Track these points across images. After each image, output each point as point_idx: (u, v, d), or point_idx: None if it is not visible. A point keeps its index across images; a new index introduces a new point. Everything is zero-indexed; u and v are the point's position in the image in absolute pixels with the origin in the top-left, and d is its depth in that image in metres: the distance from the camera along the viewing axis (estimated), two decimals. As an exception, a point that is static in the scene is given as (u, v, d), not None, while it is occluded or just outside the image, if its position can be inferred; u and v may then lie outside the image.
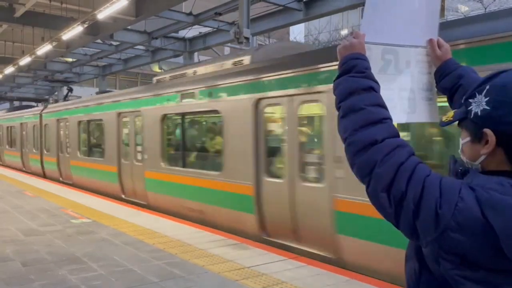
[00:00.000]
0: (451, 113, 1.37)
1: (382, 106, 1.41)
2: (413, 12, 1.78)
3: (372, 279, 4.86)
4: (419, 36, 1.80)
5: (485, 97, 1.24)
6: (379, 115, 1.37)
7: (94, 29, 14.00)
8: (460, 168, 1.35)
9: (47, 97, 28.94)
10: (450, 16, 23.34)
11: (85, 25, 11.70)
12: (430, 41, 1.80)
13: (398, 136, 1.34)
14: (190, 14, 14.20)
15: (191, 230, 7.32)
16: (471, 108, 1.28)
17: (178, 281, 4.88)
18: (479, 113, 1.25)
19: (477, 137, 1.26)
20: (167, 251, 6.05)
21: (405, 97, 1.75)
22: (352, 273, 5.05)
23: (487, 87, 1.26)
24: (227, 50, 29.75)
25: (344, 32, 32.94)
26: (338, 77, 1.50)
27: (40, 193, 12.02)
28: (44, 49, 14.55)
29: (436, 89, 1.83)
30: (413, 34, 1.78)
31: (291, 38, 33.46)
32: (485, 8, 21.41)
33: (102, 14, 10.58)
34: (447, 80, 1.74)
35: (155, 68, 30.21)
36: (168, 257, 5.75)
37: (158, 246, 6.30)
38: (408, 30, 1.77)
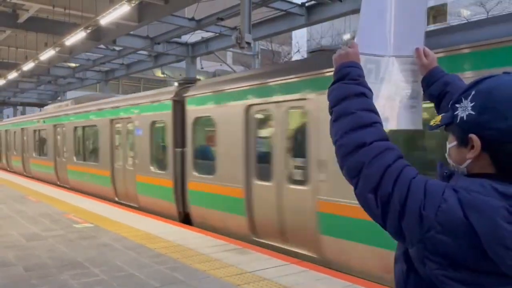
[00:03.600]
0: (438, 117, 1.39)
1: (373, 111, 1.44)
2: (399, 23, 1.83)
3: (374, 284, 4.84)
4: (405, 46, 1.85)
5: (471, 102, 1.25)
6: (369, 119, 1.40)
7: (97, 35, 14.07)
8: (446, 171, 1.37)
9: (49, 102, 29.06)
10: (452, 21, 23.36)
11: (88, 31, 11.75)
12: (417, 50, 1.84)
13: (387, 139, 1.37)
14: (192, 19, 14.28)
15: (192, 235, 7.32)
16: (457, 113, 1.29)
17: (180, 286, 4.88)
18: (464, 118, 1.26)
19: (463, 142, 1.27)
20: (168, 255, 6.05)
21: (387, 105, 1.81)
22: (354, 278, 5.04)
23: (473, 92, 1.26)
24: (229, 55, 29.83)
25: (347, 36, 33.00)
26: (332, 84, 1.56)
27: (43, 198, 12.05)
28: (47, 54, 14.63)
29: (421, 97, 1.88)
30: (399, 44, 1.84)
31: (293, 43, 33.46)
32: (488, 12, 21.42)
33: (105, 19, 10.62)
34: (434, 88, 1.78)
35: (158, 73, 30.27)
36: (170, 262, 5.76)
37: (159, 251, 6.31)
38: (394, 40, 1.83)
